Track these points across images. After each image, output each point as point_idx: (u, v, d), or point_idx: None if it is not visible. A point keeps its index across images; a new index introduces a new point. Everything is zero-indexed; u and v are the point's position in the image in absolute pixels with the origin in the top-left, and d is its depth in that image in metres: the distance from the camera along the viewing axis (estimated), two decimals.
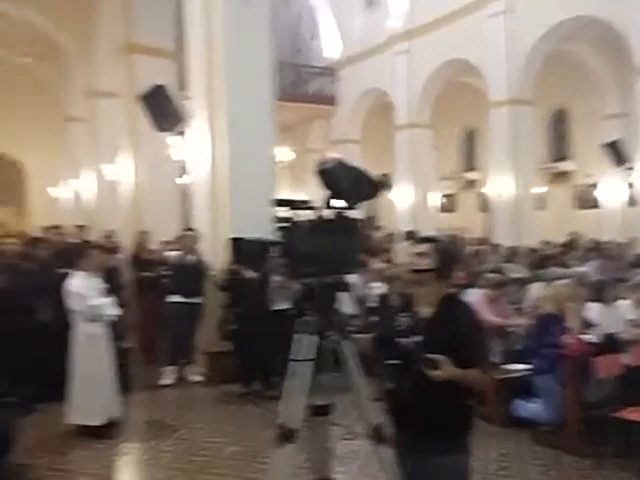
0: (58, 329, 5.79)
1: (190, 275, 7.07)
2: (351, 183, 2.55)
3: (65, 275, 5.73)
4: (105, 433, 5.37)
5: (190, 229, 7.62)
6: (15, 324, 6.21)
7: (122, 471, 5.04)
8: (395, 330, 2.68)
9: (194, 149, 8.10)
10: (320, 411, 2.76)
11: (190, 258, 7.16)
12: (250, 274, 6.51)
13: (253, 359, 6.54)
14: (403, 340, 2.63)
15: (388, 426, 2.75)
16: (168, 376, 7.09)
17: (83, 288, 5.34)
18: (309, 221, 2.68)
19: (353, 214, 2.66)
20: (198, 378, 7.14)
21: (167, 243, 8.43)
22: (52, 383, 5.79)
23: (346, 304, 5.74)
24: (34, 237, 7.58)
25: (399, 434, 2.71)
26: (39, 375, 6.07)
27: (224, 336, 6.98)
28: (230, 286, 6.83)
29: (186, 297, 7.04)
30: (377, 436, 2.74)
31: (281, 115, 10.38)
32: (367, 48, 17.81)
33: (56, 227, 8.58)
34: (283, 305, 6.68)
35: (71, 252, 6.92)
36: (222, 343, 7.01)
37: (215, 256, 7.29)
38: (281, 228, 2.68)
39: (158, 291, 7.51)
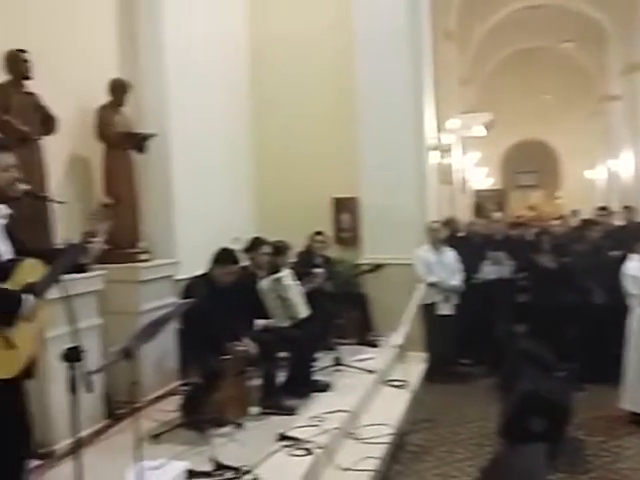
0: (612, 311, 5.72)
1: None
2: None
3: (617, 257, 5.61)
4: None
5: None
6: (562, 303, 6.43)
7: None
8: None
9: None
10: None
11: None
12: None
13: None
14: None
15: None
16: None
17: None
18: None
19: None
20: None
21: None
22: (603, 365, 5.78)
23: None
24: (585, 219, 7.70)
25: None
26: (588, 355, 6.14)
27: None
28: None
29: None
30: None
31: None
32: None
33: (603, 208, 8.51)
34: None
35: (622, 234, 6.74)
36: None
37: None
38: None
39: None
